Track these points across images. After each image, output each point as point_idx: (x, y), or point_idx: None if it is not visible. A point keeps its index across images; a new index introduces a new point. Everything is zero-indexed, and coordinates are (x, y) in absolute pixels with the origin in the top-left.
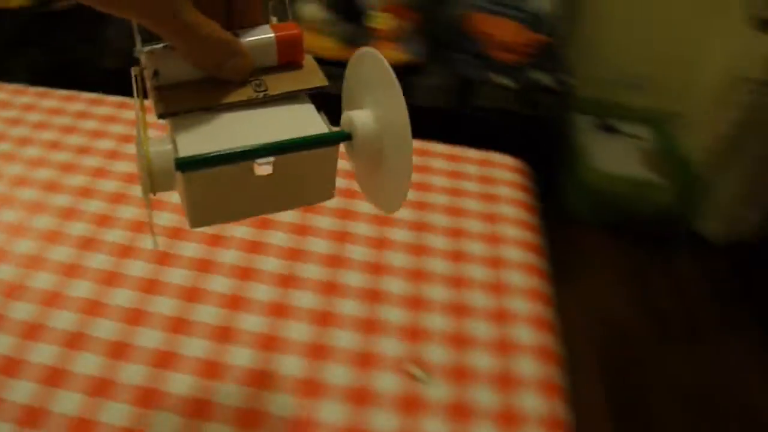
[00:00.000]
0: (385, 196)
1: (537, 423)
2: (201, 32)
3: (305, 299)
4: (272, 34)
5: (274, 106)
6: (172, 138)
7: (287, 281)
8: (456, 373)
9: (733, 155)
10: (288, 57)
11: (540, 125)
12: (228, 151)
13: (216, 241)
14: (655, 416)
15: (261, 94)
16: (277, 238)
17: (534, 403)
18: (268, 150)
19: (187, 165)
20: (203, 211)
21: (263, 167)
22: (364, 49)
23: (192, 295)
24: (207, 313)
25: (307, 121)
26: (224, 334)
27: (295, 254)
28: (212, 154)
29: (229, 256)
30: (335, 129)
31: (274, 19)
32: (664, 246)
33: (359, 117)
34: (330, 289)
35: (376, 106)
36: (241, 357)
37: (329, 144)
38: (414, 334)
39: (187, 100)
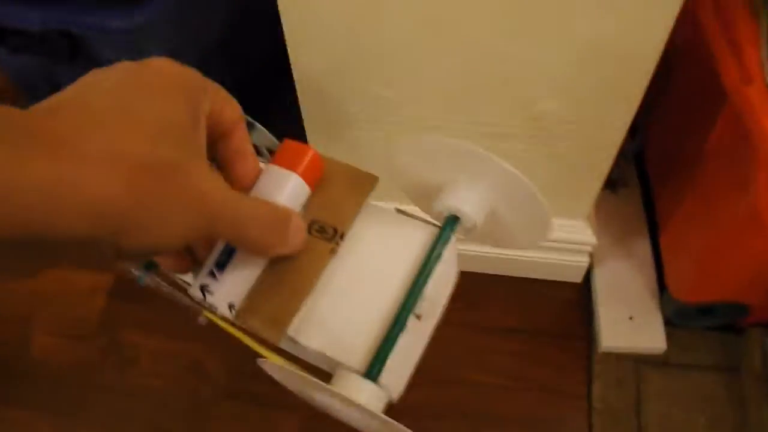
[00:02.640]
0: (516, 238)
1: None
2: (255, 211)
3: None
4: (294, 173)
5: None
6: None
7: None
8: None
9: None
10: (315, 181)
11: None
12: (391, 330)
13: None
14: None
15: (338, 240)
16: None
17: None
18: (417, 294)
19: (377, 374)
20: (397, 382)
21: (425, 308)
22: (414, 138)
23: None
24: None
25: (401, 229)
26: None
27: None
28: (385, 347)
29: None
30: (428, 219)
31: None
32: None
33: (459, 198)
34: None
35: (467, 181)
36: None
37: (449, 239)
38: None
39: (283, 305)
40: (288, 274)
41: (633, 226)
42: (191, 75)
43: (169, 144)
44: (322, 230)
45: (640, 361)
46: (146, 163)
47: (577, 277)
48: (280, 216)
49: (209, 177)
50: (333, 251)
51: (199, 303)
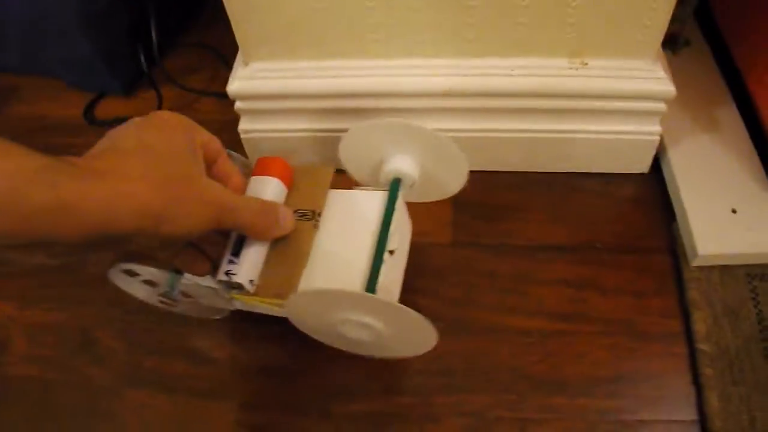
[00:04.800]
0: (442, 187)
1: None
2: (249, 203)
3: None
4: (273, 177)
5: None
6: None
7: None
8: None
9: None
10: (289, 182)
11: None
12: (374, 263)
13: None
14: None
15: (317, 217)
16: None
17: None
18: (384, 236)
19: (373, 292)
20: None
21: (393, 245)
22: (353, 128)
23: None
24: None
25: (361, 199)
26: None
27: None
28: (373, 274)
29: None
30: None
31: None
32: None
33: (396, 163)
34: None
35: (399, 150)
36: None
37: (397, 196)
38: None
39: (290, 272)
40: (288, 250)
41: (707, 91)
42: (185, 119)
43: (181, 164)
44: (303, 215)
45: (756, 276)
46: (168, 176)
47: (643, 164)
48: (268, 206)
49: (213, 183)
50: (315, 226)
51: (226, 285)
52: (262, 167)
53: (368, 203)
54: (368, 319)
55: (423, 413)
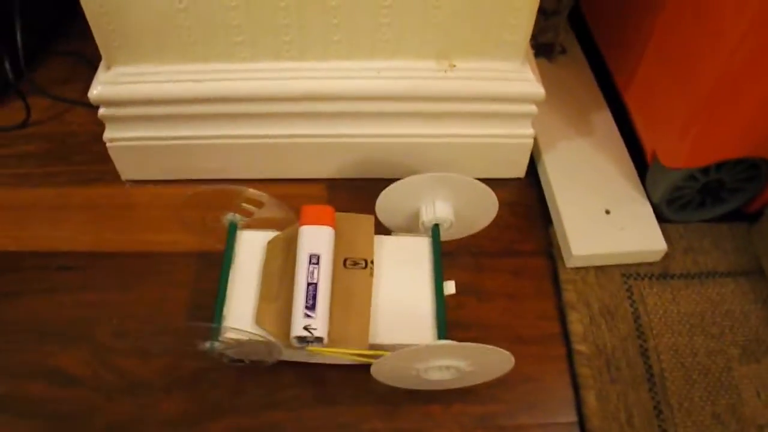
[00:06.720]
0: (475, 223)
1: None
2: None
3: None
4: (332, 230)
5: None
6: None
7: None
8: None
9: None
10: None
11: None
12: (439, 312)
13: None
14: None
15: (371, 265)
16: None
17: None
18: (441, 281)
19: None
20: None
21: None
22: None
23: None
24: None
25: (407, 245)
26: None
27: None
28: (440, 323)
29: None
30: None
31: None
32: None
33: (434, 211)
34: None
35: (433, 197)
36: None
37: (439, 240)
38: None
39: (358, 324)
40: (349, 300)
41: (582, 96)
42: None
43: None
44: (355, 263)
45: (631, 275)
46: None
47: (519, 168)
48: None
49: None
50: (371, 274)
51: (302, 340)
52: (313, 216)
53: (416, 247)
54: (453, 362)
55: (297, 427)
